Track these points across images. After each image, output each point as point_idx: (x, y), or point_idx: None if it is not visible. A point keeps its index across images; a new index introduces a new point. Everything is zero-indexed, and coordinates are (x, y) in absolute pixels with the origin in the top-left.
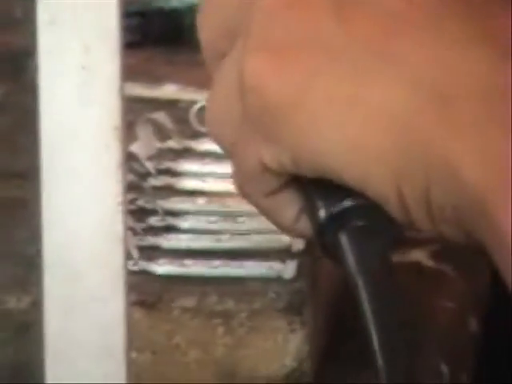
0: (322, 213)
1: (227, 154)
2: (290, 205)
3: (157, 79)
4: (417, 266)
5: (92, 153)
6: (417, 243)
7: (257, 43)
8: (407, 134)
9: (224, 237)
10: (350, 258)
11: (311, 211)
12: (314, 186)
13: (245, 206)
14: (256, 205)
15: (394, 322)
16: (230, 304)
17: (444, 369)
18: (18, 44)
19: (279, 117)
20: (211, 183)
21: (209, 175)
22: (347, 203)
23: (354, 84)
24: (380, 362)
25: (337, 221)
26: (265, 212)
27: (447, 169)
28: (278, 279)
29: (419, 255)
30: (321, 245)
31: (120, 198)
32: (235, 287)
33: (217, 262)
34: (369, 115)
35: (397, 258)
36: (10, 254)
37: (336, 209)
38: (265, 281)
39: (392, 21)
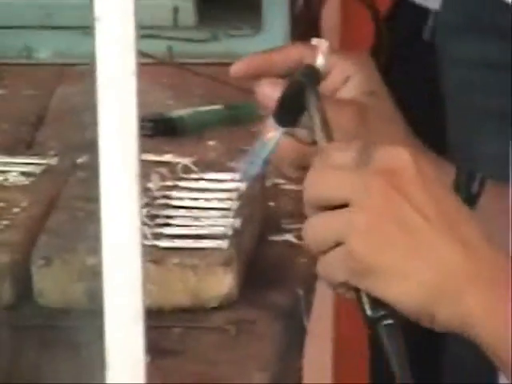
0: (369, 312)
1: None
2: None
3: (162, 152)
4: (289, 242)
5: (121, 189)
6: (290, 231)
7: (359, 228)
8: (436, 294)
9: (190, 226)
10: (386, 342)
11: (363, 309)
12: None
13: (205, 213)
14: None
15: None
16: (191, 261)
17: (300, 291)
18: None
19: (366, 275)
20: (189, 202)
21: (187, 198)
22: (385, 310)
23: (412, 258)
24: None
25: (376, 319)
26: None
27: (460, 311)
28: (219, 249)
29: (289, 236)
30: (369, 326)
31: (138, 209)
32: (195, 253)
33: (190, 241)
34: (417, 282)
35: (277, 238)
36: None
37: (378, 313)
38: (211, 250)
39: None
